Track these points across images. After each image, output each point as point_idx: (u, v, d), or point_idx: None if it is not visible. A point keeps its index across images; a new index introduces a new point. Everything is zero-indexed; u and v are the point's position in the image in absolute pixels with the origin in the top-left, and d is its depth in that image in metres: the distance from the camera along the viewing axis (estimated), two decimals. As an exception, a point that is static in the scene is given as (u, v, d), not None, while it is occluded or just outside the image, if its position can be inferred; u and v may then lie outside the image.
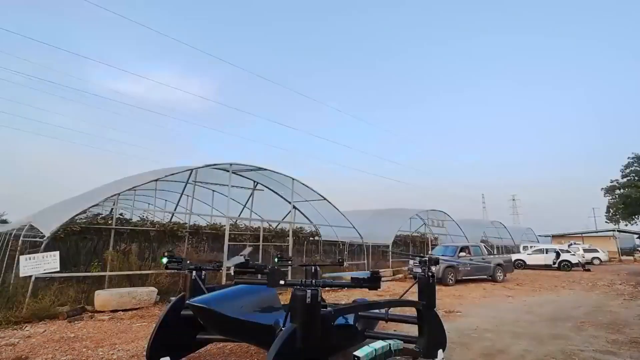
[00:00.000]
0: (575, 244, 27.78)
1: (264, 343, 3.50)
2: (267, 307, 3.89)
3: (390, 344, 2.95)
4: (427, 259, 4.28)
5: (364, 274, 3.24)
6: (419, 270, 4.34)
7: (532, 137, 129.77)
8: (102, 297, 7.05)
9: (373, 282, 3.03)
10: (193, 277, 4.10)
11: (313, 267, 5.48)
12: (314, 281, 2.99)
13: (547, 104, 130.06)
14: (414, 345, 3.86)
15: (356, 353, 2.68)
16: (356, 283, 3.07)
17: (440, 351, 3.93)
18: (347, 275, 3.66)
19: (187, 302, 3.67)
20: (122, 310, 7.00)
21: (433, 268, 4.32)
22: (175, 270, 5.02)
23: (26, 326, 5.87)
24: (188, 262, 4.28)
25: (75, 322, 6.16)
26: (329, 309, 3.20)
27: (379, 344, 2.87)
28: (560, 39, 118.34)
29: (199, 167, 10.40)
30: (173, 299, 4.10)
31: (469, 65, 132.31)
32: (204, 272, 4.27)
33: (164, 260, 4.04)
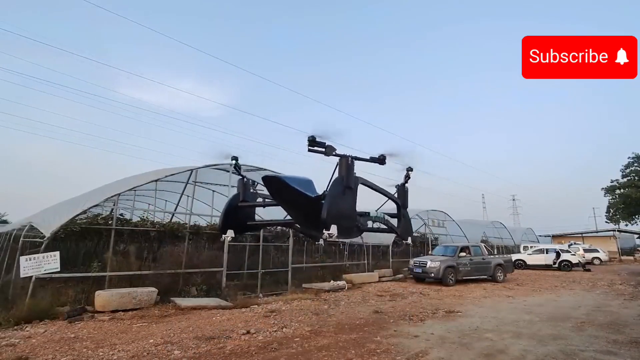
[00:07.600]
0: (575, 244, 27.82)
1: (302, 214, 5.15)
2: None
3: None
4: None
5: None
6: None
7: (532, 137, 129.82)
8: (103, 297, 7.04)
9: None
10: (245, 180, 5.89)
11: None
12: None
13: (548, 103, 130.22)
14: None
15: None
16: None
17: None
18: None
19: (263, 176, 4.73)
20: (123, 311, 7.00)
21: None
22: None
23: (26, 326, 5.87)
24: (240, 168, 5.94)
25: (76, 322, 6.15)
26: None
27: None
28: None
29: (199, 167, 10.39)
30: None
31: (470, 64, 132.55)
32: (251, 181, 6.19)
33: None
